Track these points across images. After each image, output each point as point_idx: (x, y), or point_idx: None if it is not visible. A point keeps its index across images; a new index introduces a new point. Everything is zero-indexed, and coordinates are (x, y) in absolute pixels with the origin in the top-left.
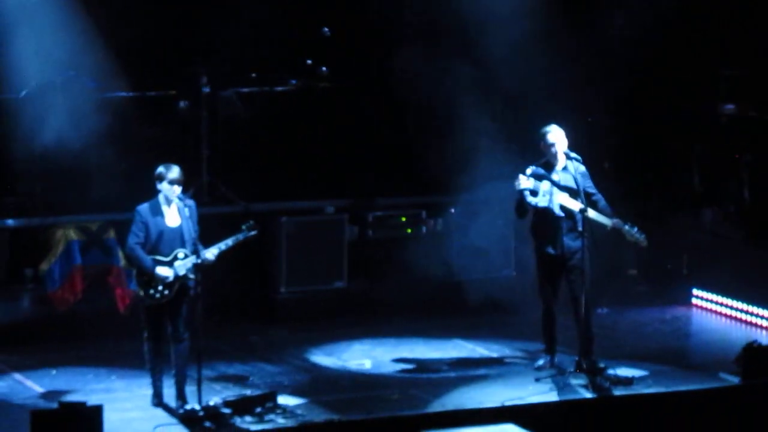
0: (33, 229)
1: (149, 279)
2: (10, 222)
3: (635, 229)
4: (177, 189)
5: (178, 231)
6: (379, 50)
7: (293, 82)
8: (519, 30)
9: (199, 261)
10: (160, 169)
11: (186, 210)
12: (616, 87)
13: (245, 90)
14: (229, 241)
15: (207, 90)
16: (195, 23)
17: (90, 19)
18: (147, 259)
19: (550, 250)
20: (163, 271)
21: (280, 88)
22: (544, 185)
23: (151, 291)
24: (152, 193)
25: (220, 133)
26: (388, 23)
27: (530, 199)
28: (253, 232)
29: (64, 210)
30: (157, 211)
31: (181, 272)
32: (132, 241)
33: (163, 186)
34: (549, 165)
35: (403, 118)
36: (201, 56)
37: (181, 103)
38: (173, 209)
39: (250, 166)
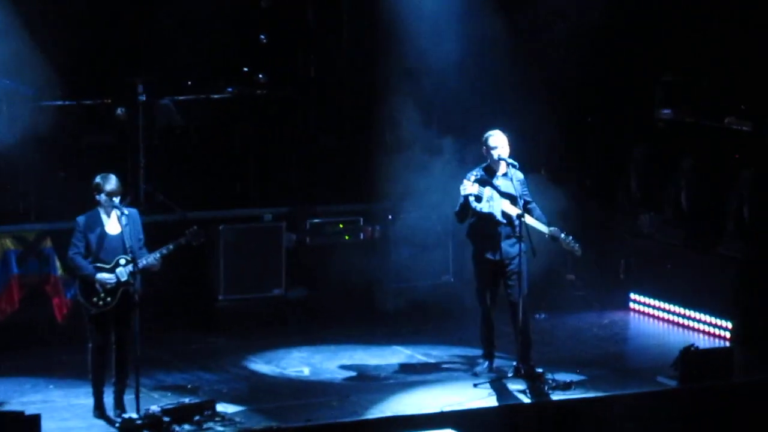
0: None
1: (92, 288)
2: None
3: (570, 238)
4: (113, 199)
5: (119, 238)
6: (316, 57)
7: (230, 89)
8: (459, 36)
9: (140, 267)
10: (98, 179)
11: (124, 218)
12: (555, 92)
13: (182, 98)
14: (171, 246)
15: (144, 98)
16: (132, 31)
17: (27, 26)
18: (88, 266)
19: (489, 256)
20: (104, 276)
21: (217, 96)
22: (487, 191)
23: (95, 299)
24: (90, 202)
25: (157, 141)
26: (326, 29)
27: (474, 204)
28: (197, 238)
29: (1, 219)
30: (97, 221)
31: (124, 277)
32: (72, 251)
33: (102, 197)
34: (490, 170)
35: (340, 125)
36: (137, 64)
37: (119, 111)
38: (113, 217)
39: (187, 174)
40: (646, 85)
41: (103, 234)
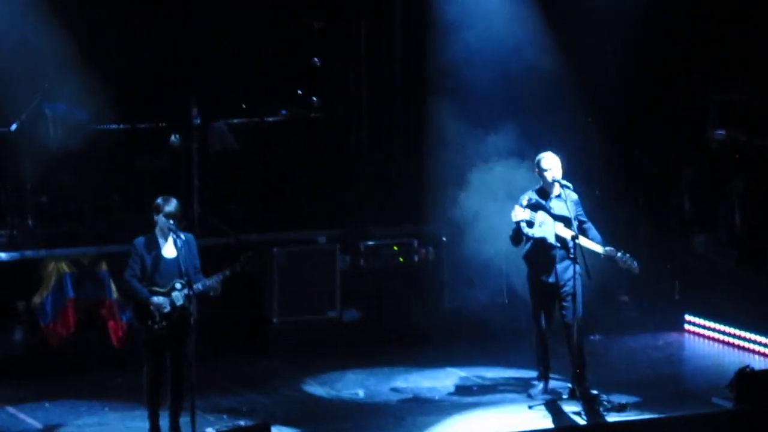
0: (25, 262)
1: (147, 311)
2: (2, 255)
3: (627, 255)
4: (171, 222)
5: (175, 262)
6: (368, 79)
7: (284, 112)
8: (511, 60)
9: (196, 291)
10: (159, 200)
11: (180, 242)
12: (608, 112)
13: (236, 121)
14: (227, 272)
15: (198, 122)
16: (186, 55)
17: (80, 50)
18: (143, 290)
19: (544, 278)
20: (160, 300)
21: (270, 119)
22: (540, 215)
23: (150, 323)
24: (144, 225)
25: (211, 164)
26: (379, 51)
27: (526, 230)
28: (253, 264)
29: (56, 243)
30: (154, 244)
31: (179, 302)
32: (128, 274)
33: (160, 218)
34: (543, 192)
35: (393, 146)
36: (191, 88)
37: (172, 138)
38: (170, 241)
39: (241, 197)
40: (700, 104)
41: (159, 257)
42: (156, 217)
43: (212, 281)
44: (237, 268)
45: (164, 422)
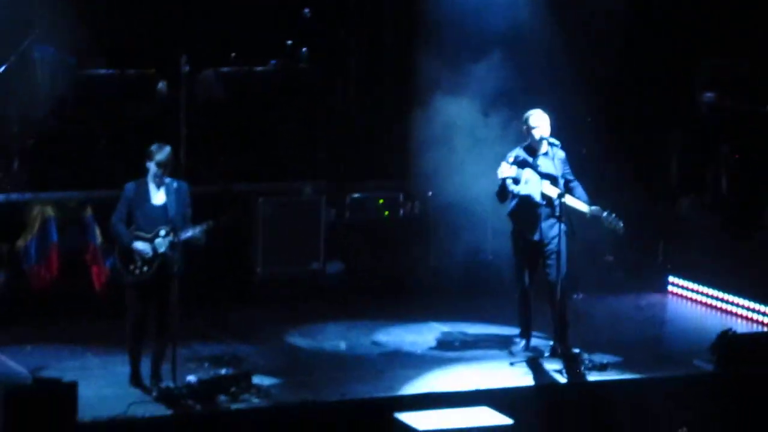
0: (10, 205)
1: (130, 256)
2: None
3: (613, 216)
4: (160, 169)
5: (162, 209)
6: (358, 32)
7: (273, 62)
8: (501, 15)
9: (178, 240)
10: (152, 147)
11: (170, 190)
12: (595, 74)
13: (225, 70)
14: (210, 223)
15: (186, 69)
16: (176, 2)
17: None
18: (127, 234)
19: (529, 236)
20: (141, 245)
21: (259, 69)
22: (526, 173)
23: (131, 267)
24: (131, 171)
25: (198, 113)
26: (369, 4)
27: (512, 187)
28: (235, 219)
29: (42, 187)
30: (143, 189)
31: (161, 249)
32: (115, 217)
33: (150, 165)
34: (531, 149)
35: (381, 100)
36: (181, 35)
37: (160, 85)
38: (160, 189)
39: (228, 147)
40: (688, 68)
41: (147, 203)
42: (148, 164)
43: (195, 231)
44: (221, 221)
45: (146, 368)
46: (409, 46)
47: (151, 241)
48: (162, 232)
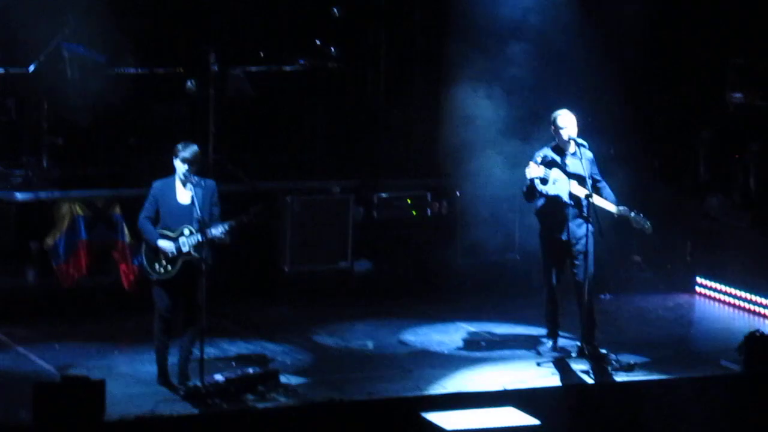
0: (39, 203)
1: (155, 254)
2: (17, 195)
3: (641, 215)
4: (185, 167)
5: (188, 208)
6: (387, 32)
7: (302, 61)
8: (530, 17)
9: (204, 239)
10: (178, 145)
11: (198, 188)
12: (625, 74)
13: (254, 69)
14: (233, 222)
15: (215, 68)
16: (204, 1)
17: None
18: (153, 231)
19: (557, 236)
20: (165, 244)
21: (288, 68)
22: (554, 173)
23: (156, 265)
24: (160, 170)
25: (227, 111)
26: (399, 4)
27: (540, 187)
28: (261, 216)
29: (71, 184)
30: (170, 187)
31: (185, 248)
32: (142, 215)
33: (176, 162)
34: (559, 149)
35: (410, 99)
36: (210, 34)
37: (189, 83)
38: (187, 187)
39: (257, 145)
40: (718, 67)
41: (173, 201)
42: (174, 162)
43: (218, 231)
44: (244, 219)
45: (173, 367)
46: (439, 44)
47: (175, 240)
48: (186, 231)
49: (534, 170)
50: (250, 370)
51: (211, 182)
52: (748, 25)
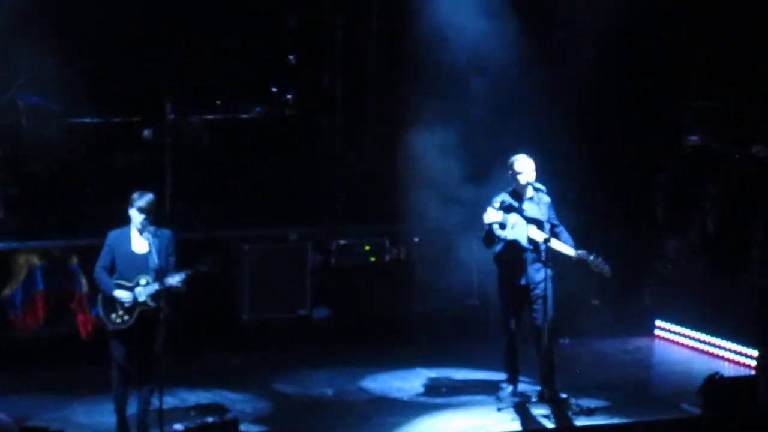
0: None
1: (112, 304)
2: None
3: (600, 259)
4: (142, 217)
5: (144, 258)
6: (343, 78)
7: (258, 109)
8: (485, 62)
9: (162, 288)
10: (134, 195)
11: (153, 238)
12: (582, 116)
13: (210, 117)
14: (189, 271)
15: (172, 116)
16: (160, 50)
17: (56, 44)
18: (109, 281)
19: (516, 280)
20: (121, 293)
21: (245, 115)
22: (512, 217)
23: (113, 315)
24: (116, 219)
25: (184, 159)
26: (354, 51)
27: (499, 232)
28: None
29: (28, 235)
30: (126, 237)
31: (141, 298)
32: (98, 265)
33: (132, 212)
34: (517, 194)
35: (367, 146)
36: (166, 83)
37: (145, 132)
38: (143, 236)
39: (214, 193)
40: (674, 110)
41: (129, 251)
42: (129, 211)
43: (175, 280)
44: (200, 268)
45: (132, 417)
46: (395, 89)
47: (131, 289)
48: (143, 281)
49: (492, 215)
50: (210, 419)
51: (167, 231)
52: (704, 68)
